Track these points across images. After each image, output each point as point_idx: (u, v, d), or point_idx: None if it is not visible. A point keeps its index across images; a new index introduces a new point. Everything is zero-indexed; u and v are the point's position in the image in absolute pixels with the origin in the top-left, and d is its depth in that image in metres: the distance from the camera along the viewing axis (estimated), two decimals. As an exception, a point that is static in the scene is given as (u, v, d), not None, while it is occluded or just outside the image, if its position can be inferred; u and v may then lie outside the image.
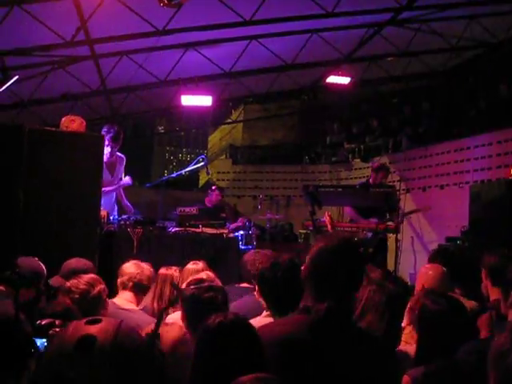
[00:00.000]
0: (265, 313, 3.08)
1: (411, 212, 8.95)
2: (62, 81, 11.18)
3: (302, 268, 3.60)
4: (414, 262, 9.72)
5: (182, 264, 4.26)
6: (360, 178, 13.26)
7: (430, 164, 11.11)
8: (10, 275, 3.59)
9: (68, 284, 3.43)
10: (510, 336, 1.55)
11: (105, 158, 6.02)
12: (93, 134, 5.89)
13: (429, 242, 10.03)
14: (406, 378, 2.42)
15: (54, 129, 5.76)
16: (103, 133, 6.31)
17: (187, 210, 6.60)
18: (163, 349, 2.54)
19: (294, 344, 2.18)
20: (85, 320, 1.40)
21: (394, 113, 14.23)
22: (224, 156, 18.82)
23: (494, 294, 3.20)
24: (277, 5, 8.93)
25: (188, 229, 6.40)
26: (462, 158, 10.17)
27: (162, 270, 4.08)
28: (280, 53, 11.43)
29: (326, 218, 6.81)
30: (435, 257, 4.25)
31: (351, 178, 13.82)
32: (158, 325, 1.96)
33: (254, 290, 3.27)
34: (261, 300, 3.14)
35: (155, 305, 3.93)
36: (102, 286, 3.50)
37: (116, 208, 6.85)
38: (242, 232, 7.96)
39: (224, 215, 6.95)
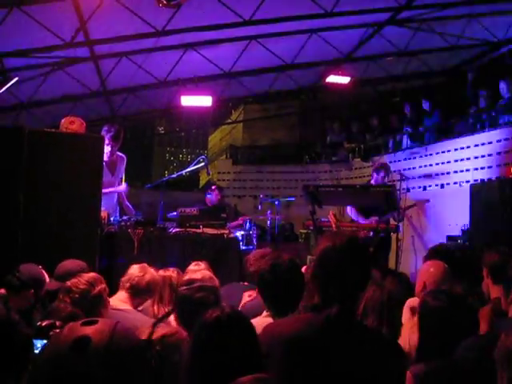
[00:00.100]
0: (265, 313, 3.08)
1: (410, 206, 8.96)
2: (62, 82, 11.19)
3: (304, 268, 3.65)
4: (415, 261, 9.71)
5: (182, 265, 4.26)
6: (360, 177, 13.26)
7: (430, 163, 11.10)
8: (10, 279, 3.61)
9: (68, 283, 3.43)
10: None
11: (105, 158, 6.02)
12: (93, 136, 5.88)
13: (429, 242, 10.01)
14: (407, 375, 2.42)
15: (53, 130, 5.76)
16: (103, 132, 6.32)
17: (188, 210, 6.60)
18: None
19: (304, 342, 2.17)
20: (81, 321, 1.40)
21: (394, 112, 14.22)
22: (224, 156, 18.81)
23: (494, 292, 3.20)
24: (276, 5, 8.93)
25: (188, 229, 6.40)
26: (463, 156, 10.16)
27: (161, 272, 4.08)
28: (279, 53, 11.43)
29: (331, 217, 6.81)
30: (432, 255, 4.23)
31: (351, 178, 13.82)
32: (152, 330, 1.95)
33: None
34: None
35: (155, 307, 3.92)
36: (102, 286, 3.50)
37: (118, 209, 6.85)
38: (242, 232, 7.96)
39: (224, 215, 6.94)
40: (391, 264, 7.78)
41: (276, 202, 11.12)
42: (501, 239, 6.22)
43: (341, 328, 2.19)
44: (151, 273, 3.99)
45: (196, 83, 11.41)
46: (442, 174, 10.66)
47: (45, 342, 2.35)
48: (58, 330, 2.60)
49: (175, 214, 6.88)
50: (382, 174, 8.15)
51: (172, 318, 3.13)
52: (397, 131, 13.02)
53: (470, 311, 2.69)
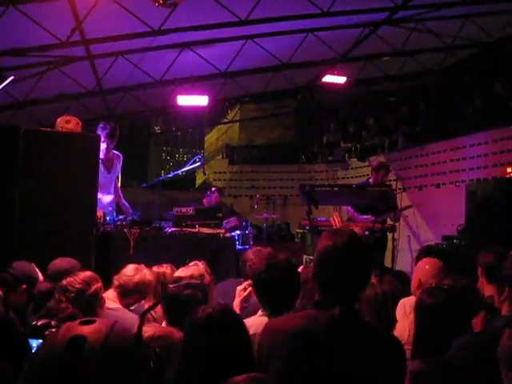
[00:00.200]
0: (260, 312, 3.08)
1: (406, 208, 8.97)
2: (58, 81, 11.17)
3: (301, 268, 3.65)
4: (411, 260, 9.72)
5: (178, 264, 4.25)
6: (357, 177, 13.28)
7: (426, 163, 11.12)
8: (5, 276, 3.60)
9: (64, 282, 3.42)
10: None
11: (101, 155, 6.01)
12: (88, 135, 5.87)
13: (425, 241, 10.03)
14: None
15: (49, 129, 5.74)
16: (99, 129, 6.31)
17: (184, 210, 6.59)
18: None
19: (310, 337, 2.16)
20: (79, 320, 1.40)
21: (390, 112, 14.24)
22: (220, 156, 18.82)
23: (488, 290, 3.21)
24: (272, 4, 8.93)
25: (184, 229, 6.39)
26: (458, 156, 10.19)
27: (155, 269, 4.06)
28: (276, 52, 11.44)
29: (335, 218, 6.77)
30: (423, 256, 4.20)
31: (348, 178, 13.84)
32: (139, 327, 1.95)
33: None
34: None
35: (149, 304, 3.91)
36: (98, 285, 3.49)
37: (114, 208, 6.82)
38: (238, 232, 7.96)
39: (220, 215, 6.93)
40: (387, 263, 7.79)
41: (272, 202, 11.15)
42: (496, 239, 6.23)
43: (344, 327, 2.19)
44: (144, 274, 3.95)
45: (192, 83, 11.41)
46: (438, 173, 10.69)
47: (40, 341, 2.35)
48: (53, 330, 2.60)
49: (171, 213, 6.87)
50: (381, 172, 8.13)
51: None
52: (393, 131, 13.04)
53: (467, 308, 2.69)
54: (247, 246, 7.64)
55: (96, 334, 1.35)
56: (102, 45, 9.73)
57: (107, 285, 3.84)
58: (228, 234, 6.92)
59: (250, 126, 17.77)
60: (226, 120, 18.41)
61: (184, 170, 8.30)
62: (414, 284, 3.73)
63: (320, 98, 15.19)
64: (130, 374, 1.37)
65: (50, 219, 5.03)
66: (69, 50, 9.45)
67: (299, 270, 3.49)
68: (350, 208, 8.20)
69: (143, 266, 4.09)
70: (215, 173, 16.97)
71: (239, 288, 3.66)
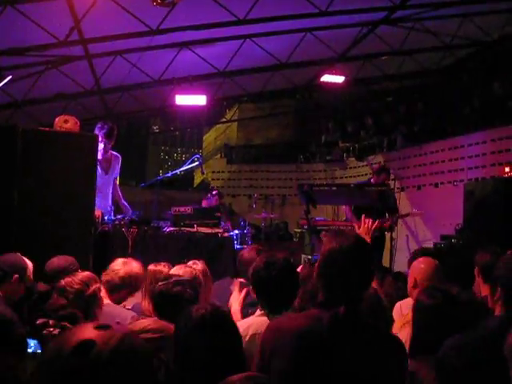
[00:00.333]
0: (258, 311, 3.09)
1: (404, 215, 8.97)
2: (56, 81, 11.17)
3: (299, 268, 3.65)
4: (409, 260, 9.73)
5: (176, 263, 4.24)
6: (355, 176, 13.29)
7: (424, 162, 11.13)
8: None
9: (63, 283, 3.41)
10: None
11: (99, 156, 5.99)
12: (87, 134, 5.87)
13: (424, 241, 10.05)
14: None
15: (47, 129, 5.74)
16: (96, 129, 6.29)
17: (182, 209, 6.59)
18: None
19: (314, 336, 2.18)
20: (94, 324, 1.38)
21: (389, 111, 14.25)
22: (219, 155, 18.82)
23: (485, 291, 3.22)
24: (270, 4, 8.94)
25: (183, 228, 6.39)
26: (457, 156, 10.20)
27: (151, 267, 4.06)
28: (274, 52, 11.44)
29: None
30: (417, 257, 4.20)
31: (346, 177, 13.85)
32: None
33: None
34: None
35: (143, 302, 3.90)
36: (97, 285, 3.48)
37: (112, 208, 6.80)
38: (236, 231, 7.97)
39: (219, 214, 6.93)
40: (385, 263, 7.80)
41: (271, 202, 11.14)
42: (494, 238, 6.23)
43: (348, 326, 2.21)
44: (130, 267, 3.97)
45: (190, 82, 11.40)
46: (436, 173, 10.69)
47: (36, 340, 2.35)
48: (51, 329, 2.60)
49: (169, 212, 6.86)
50: (382, 176, 8.19)
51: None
52: (391, 130, 13.05)
53: (465, 309, 2.70)
54: (245, 246, 7.64)
55: (107, 339, 1.32)
56: (100, 44, 9.73)
57: (104, 284, 3.84)
58: (226, 234, 6.92)
59: (248, 125, 17.77)
60: (224, 119, 18.41)
61: (182, 169, 8.30)
62: (409, 284, 3.73)
63: (318, 97, 15.19)
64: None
65: (48, 219, 5.02)
66: (67, 49, 9.45)
67: (298, 269, 3.49)
68: (347, 210, 8.22)
69: (132, 259, 4.10)
70: (213, 172, 16.97)
71: (234, 295, 3.65)
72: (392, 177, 9.67)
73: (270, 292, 3.02)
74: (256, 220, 12.13)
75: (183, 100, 11.55)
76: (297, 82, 13.70)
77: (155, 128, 39.18)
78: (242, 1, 8.87)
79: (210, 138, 22.40)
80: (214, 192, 10.07)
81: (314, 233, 6.80)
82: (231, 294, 3.73)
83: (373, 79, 13.84)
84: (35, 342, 2.35)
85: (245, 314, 3.45)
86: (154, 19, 8.80)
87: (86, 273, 3.59)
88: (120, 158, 6.81)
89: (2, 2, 7.99)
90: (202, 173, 9.13)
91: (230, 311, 3.31)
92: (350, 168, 13.96)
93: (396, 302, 3.92)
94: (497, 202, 6.81)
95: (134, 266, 4.02)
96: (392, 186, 8.91)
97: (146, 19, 8.79)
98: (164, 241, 6.16)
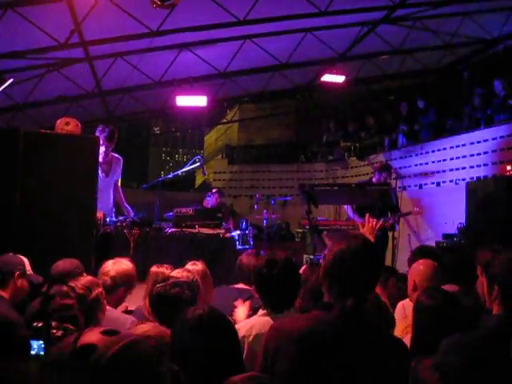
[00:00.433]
0: (261, 311, 3.09)
1: (406, 214, 8.97)
2: (57, 83, 11.18)
3: (302, 269, 3.65)
4: (412, 259, 9.71)
5: (178, 265, 4.24)
6: (356, 176, 13.28)
7: (425, 161, 11.13)
8: None
9: (65, 288, 3.41)
10: None
11: (100, 158, 6.00)
12: (88, 136, 5.88)
13: (426, 240, 10.03)
14: None
15: (49, 131, 5.75)
16: (97, 132, 6.30)
17: (183, 210, 6.60)
18: None
19: (317, 338, 2.20)
20: (100, 329, 1.37)
21: (390, 110, 14.23)
22: (220, 156, 18.81)
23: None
24: (270, 4, 8.93)
25: (184, 229, 6.40)
26: (458, 154, 10.19)
27: (154, 268, 4.06)
28: (274, 52, 11.44)
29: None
30: (416, 257, 4.19)
31: (347, 177, 13.83)
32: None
33: (250, 291, 3.29)
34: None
35: (147, 303, 3.89)
36: (99, 290, 3.47)
37: (114, 210, 6.81)
38: (238, 232, 7.97)
39: (220, 215, 6.93)
40: (387, 262, 7.79)
41: (272, 202, 11.12)
42: (497, 237, 6.23)
43: (354, 323, 2.23)
44: (119, 265, 3.97)
45: (191, 83, 11.40)
46: (438, 172, 10.68)
47: (41, 342, 2.35)
48: (54, 331, 2.60)
49: (171, 214, 6.87)
50: (384, 174, 8.21)
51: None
52: (392, 130, 13.03)
53: (464, 310, 2.71)
54: (247, 246, 7.65)
55: (109, 344, 1.31)
56: (100, 46, 9.74)
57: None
58: (228, 235, 6.93)
59: (249, 125, 17.76)
60: (225, 120, 18.40)
61: (184, 170, 8.31)
62: (409, 286, 3.72)
63: (319, 97, 15.18)
64: None
65: (49, 221, 5.03)
66: (68, 51, 9.46)
67: (301, 270, 3.50)
68: (349, 210, 8.23)
69: (121, 258, 4.10)
70: (215, 173, 16.97)
71: (239, 309, 3.62)
72: (394, 176, 9.68)
73: (271, 290, 3.03)
74: (258, 220, 12.13)
75: (184, 101, 11.56)
76: (297, 82, 13.70)
77: (156, 129, 39.23)
78: (242, 1, 8.87)
79: (211, 138, 22.40)
80: (213, 190, 10.06)
81: (316, 233, 6.79)
82: (228, 301, 3.71)
83: (373, 78, 13.83)
84: (39, 343, 2.35)
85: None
86: (154, 21, 8.80)
87: (89, 277, 3.58)
88: (121, 160, 6.82)
89: (2, 5, 8.00)
90: (204, 174, 9.13)
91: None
92: (352, 168, 13.94)
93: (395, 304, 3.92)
94: (499, 201, 6.81)
95: (124, 263, 4.02)
96: (393, 185, 8.90)
97: (146, 21, 8.79)
98: (166, 242, 6.17)
